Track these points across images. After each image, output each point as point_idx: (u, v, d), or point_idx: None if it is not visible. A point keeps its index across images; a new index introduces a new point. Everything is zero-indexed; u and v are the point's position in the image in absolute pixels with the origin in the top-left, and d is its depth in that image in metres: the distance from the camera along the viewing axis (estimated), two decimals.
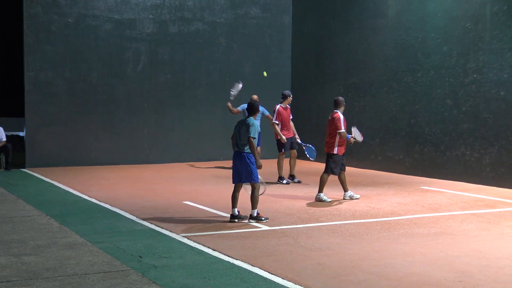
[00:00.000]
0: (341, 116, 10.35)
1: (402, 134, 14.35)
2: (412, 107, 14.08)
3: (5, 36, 25.02)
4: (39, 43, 15.47)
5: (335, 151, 10.30)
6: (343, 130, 10.24)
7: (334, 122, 10.34)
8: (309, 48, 17.65)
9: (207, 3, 17.16)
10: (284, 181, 12.83)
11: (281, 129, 12.88)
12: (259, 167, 8.52)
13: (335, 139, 10.29)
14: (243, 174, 8.59)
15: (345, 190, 10.63)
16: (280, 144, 12.96)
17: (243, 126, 8.59)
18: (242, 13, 17.62)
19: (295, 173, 13.15)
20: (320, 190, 10.39)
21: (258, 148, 14.31)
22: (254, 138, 8.42)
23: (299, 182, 12.91)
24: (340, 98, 10.64)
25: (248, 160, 8.54)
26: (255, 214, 8.58)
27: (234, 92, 14.23)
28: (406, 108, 14.24)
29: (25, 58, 15.38)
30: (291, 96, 13.24)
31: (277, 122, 12.91)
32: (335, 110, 10.45)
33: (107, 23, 16.12)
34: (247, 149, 8.54)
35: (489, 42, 12.26)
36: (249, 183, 8.66)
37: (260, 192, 8.84)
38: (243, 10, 17.62)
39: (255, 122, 8.60)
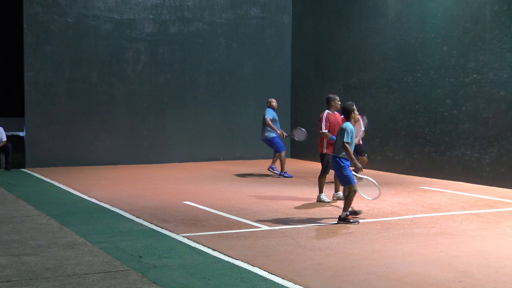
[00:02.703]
0: (325, 115, 10.24)
1: (402, 134, 14.35)
2: (412, 107, 14.08)
3: (5, 36, 25.01)
4: (39, 43, 15.47)
5: (324, 150, 10.27)
6: (323, 130, 10.16)
7: (318, 122, 10.35)
8: (309, 48, 17.65)
9: (207, 3, 17.16)
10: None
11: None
12: (358, 169, 8.59)
13: (324, 139, 10.26)
14: (340, 178, 8.78)
15: (337, 190, 10.50)
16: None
17: (339, 131, 8.76)
18: (242, 13, 17.62)
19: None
20: (320, 191, 10.38)
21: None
22: (348, 143, 8.54)
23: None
24: (330, 96, 10.52)
25: (340, 165, 8.65)
26: (343, 216, 8.54)
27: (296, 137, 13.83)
28: (406, 108, 14.24)
29: (25, 58, 15.38)
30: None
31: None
32: (326, 110, 10.40)
33: (107, 23, 16.12)
34: (341, 154, 8.65)
35: (489, 42, 12.26)
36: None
37: (374, 196, 8.92)
38: (243, 10, 17.63)
39: (349, 127, 8.64)
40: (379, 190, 8.92)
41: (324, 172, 10.35)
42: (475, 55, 12.55)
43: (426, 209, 9.70)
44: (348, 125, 8.69)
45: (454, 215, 9.23)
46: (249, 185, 12.55)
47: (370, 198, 9.18)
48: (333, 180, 10.62)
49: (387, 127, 14.76)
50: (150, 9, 16.54)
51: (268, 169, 14.06)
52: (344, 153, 8.64)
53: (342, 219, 8.53)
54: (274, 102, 14.01)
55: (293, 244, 7.31)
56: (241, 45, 17.65)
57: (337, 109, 10.44)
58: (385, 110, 14.83)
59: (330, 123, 10.23)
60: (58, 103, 15.73)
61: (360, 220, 8.65)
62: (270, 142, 13.91)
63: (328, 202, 10.27)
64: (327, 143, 10.25)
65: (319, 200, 10.31)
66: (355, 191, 8.59)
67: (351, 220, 8.52)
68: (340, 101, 10.57)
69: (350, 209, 8.71)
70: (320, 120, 10.27)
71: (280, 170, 13.88)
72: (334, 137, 10.11)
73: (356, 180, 8.91)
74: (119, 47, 16.25)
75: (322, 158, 10.41)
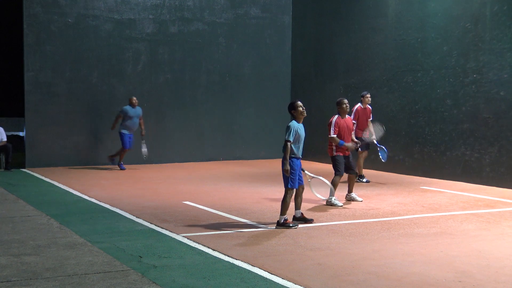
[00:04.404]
0: (334, 121, 9.97)
1: (402, 134, 14.35)
2: (412, 107, 14.08)
3: (5, 36, 25.01)
4: (39, 43, 15.47)
5: (334, 153, 10.11)
6: (332, 135, 9.92)
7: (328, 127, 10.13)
8: (309, 48, 17.65)
9: (207, 3, 17.15)
10: (364, 180, 12.85)
11: (356, 128, 12.34)
12: (286, 171, 8.09)
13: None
14: (283, 178, 8.26)
15: (350, 191, 10.49)
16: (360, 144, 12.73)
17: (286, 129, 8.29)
18: (242, 13, 17.62)
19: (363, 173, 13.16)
20: (331, 194, 10.05)
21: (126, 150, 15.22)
22: (289, 141, 8.10)
23: (368, 181, 12.88)
24: (338, 100, 10.22)
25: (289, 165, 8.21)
26: (282, 221, 8.21)
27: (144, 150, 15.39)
28: (406, 108, 14.24)
29: (25, 58, 15.38)
30: (368, 95, 12.89)
31: (354, 122, 12.33)
32: (336, 114, 10.18)
33: (107, 23, 16.12)
34: (292, 154, 8.21)
35: (489, 42, 12.26)
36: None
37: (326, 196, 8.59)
38: (243, 10, 17.62)
39: (291, 125, 8.19)
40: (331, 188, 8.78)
41: (340, 174, 10.11)
42: (475, 55, 12.55)
43: (426, 209, 9.70)
44: (291, 123, 8.26)
45: (454, 215, 9.23)
46: (249, 185, 12.55)
47: (323, 198, 9.08)
48: (346, 181, 10.57)
49: (387, 127, 14.72)
50: (150, 9, 16.53)
51: (118, 166, 15.37)
52: (294, 154, 8.22)
53: (281, 224, 8.22)
54: (134, 100, 15.20)
55: (293, 244, 7.32)
56: (241, 45, 17.65)
57: (347, 113, 10.19)
58: (385, 110, 14.83)
59: (339, 128, 10.01)
60: (58, 103, 15.72)
61: (362, 220, 8.65)
62: (120, 136, 15.21)
63: (341, 205, 9.95)
64: (336, 146, 10.14)
65: (329, 203, 9.97)
66: (290, 196, 8.24)
67: (290, 225, 8.19)
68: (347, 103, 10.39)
69: (299, 214, 8.51)
70: (330, 124, 10.04)
71: (119, 161, 15.33)
72: (343, 142, 10.00)
73: (309, 180, 8.79)
74: (119, 47, 16.25)
75: (332, 161, 10.21)
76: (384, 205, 10.03)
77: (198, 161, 16.95)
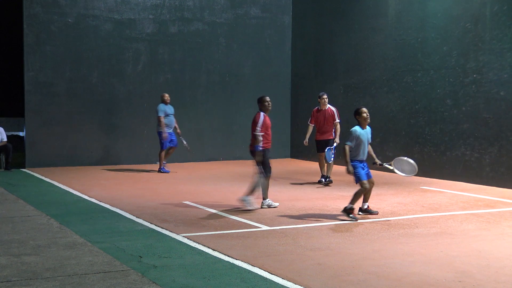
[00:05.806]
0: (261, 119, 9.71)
1: (402, 134, 14.35)
2: (412, 107, 14.08)
3: (5, 36, 25.03)
4: (39, 43, 15.47)
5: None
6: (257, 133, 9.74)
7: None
8: (309, 48, 17.65)
9: (207, 3, 17.15)
10: (326, 180, 12.53)
11: (316, 132, 12.83)
12: (349, 172, 8.83)
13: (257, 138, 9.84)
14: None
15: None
16: (317, 145, 12.73)
17: None
18: (242, 13, 17.62)
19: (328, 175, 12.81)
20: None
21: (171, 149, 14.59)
22: (347, 145, 8.85)
23: (327, 184, 12.44)
24: (262, 97, 9.86)
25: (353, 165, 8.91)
26: (348, 207, 8.82)
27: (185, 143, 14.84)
28: (406, 108, 14.25)
29: (25, 58, 15.38)
30: (325, 96, 12.85)
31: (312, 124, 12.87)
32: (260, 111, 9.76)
33: (107, 23, 16.12)
34: (352, 156, 8.93)
35: (489, 42, 12.27)
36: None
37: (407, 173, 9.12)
38: (243, 10, 17.62)
39: (353, 130, 8.91)
40: (414, 166, 9.04)
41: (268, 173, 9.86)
42: (475, 55, 12.55)
43: (426, 209, 9.70)
44: (354, 128, 8.95)
45: (454, 215, 9.24)
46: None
47: (406, 175, 9.22)
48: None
49: (387, 127, 14.75)
50: (150, 9, 16.53)
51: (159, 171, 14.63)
52: (354, 155, 8.90)
53: (345, 210, 8.85)
54: (166, 97, 14.65)
55: (293, 244, 7.32)
56: (241, 45, 17.65)
57: (269, 110, 9.81)
58: (385, 110, 14.83)
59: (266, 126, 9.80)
60: (58, 103, 15.72)
61: (362, 220, 8.67)
62: (159, 136, 14.53)
63: (276, 206, 9.84)
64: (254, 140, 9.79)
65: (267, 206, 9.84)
66: (364, 188, 8.84)
67: (350, 215, 8.79)
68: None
69: (365, 207, 9.09)
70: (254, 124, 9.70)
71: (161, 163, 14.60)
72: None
73: (392, 168, 9.18)
74: (119, 47, 16.25)
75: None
76: (384, 205, 10.03)
77: (198, 161, 16.95)
